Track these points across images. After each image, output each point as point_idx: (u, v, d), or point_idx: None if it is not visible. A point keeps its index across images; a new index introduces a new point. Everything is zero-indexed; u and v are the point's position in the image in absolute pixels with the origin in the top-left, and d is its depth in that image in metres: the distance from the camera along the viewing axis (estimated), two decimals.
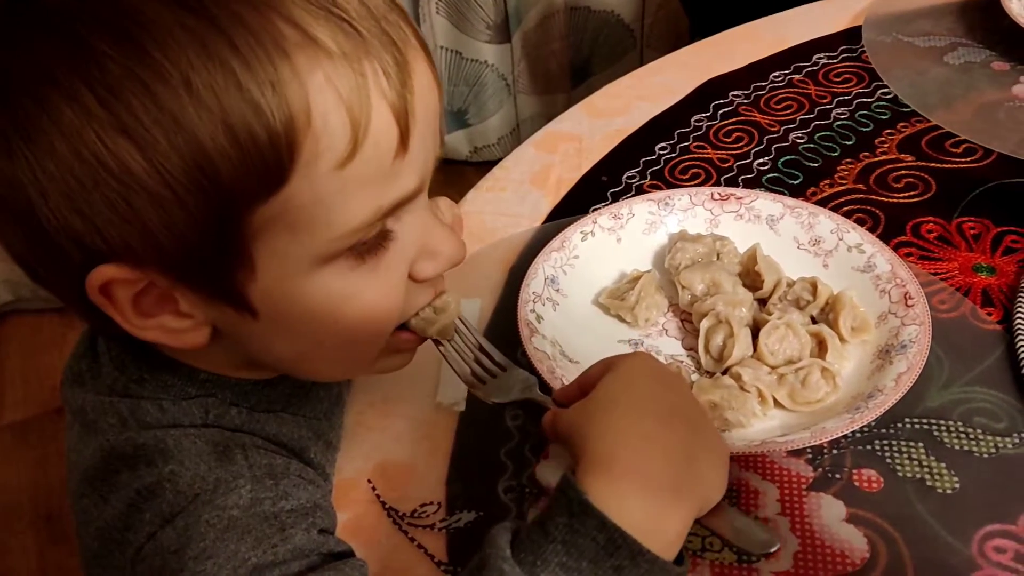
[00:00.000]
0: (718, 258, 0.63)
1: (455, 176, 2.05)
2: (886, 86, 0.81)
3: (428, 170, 0.43)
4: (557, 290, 0.62)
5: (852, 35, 0.89)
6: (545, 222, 0.72)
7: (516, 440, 0.55)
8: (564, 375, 0.55)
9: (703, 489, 0.43)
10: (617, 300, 0.62)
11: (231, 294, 0.40)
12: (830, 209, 0.67)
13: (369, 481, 0.54)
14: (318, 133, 0.36)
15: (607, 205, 0.69)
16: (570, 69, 2.03)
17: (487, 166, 0.81)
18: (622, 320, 0.62)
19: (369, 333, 0.45)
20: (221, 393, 0.46)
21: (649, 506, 0.40)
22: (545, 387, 0.53)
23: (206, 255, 0.38)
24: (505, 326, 0.61)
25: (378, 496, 0.53)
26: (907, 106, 0.79)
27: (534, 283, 0.61)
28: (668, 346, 0.61)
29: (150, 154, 0.35)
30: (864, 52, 0.86)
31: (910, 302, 0.57)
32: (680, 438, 0.43)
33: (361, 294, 0.43)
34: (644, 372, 0.46)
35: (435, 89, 0.42)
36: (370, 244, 0.41)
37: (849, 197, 0.71)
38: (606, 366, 0.47)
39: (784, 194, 0.70)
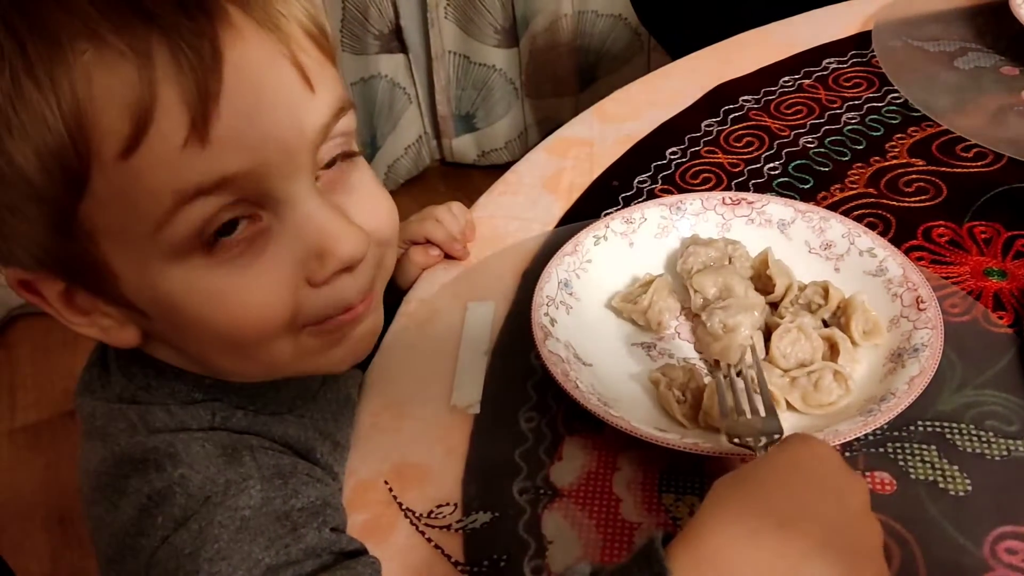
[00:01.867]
0: (730, 262, 0.64)
1: (463, 180, 2.06)
2: (896, 90, 0.82)
3: (274, 153, 0.39)
4: (570, 294, 0.63)
5: (862, 40, 0.90)
6: (557, 226, 0.73)
7: (530, 442, 0.55)
8: (578, 378, 0.56)
9: None
10: (630, 304, 0.62)
11: (111, 294, 0.41)
12: (841, 213, 0.67)
13: (386, 482, 0.54)
14: (96, 125, 0.36)
15: (619, 209, 0.69)
16: (577, 73, 2.03)
17: (495, 170, 0.82)
18: (635, 324, 0.62)
19: (254, 333, 0.42)
20: (227, 397, 0.47)
21: None
22: None
23: (67, 259, 0.40)
24: (518, 330, 0.61)
25: (395, 497, 0.54)
26: (917, 111, 0.79)
27: (548, 287, 0.62)
28: (681, 349, 0.61)
29: None
30: (874, 57, 0.87)
31: (922, 306, 0.57)
32: (796, 547, 0.37)
33: (228, 293, 0.40)
34: (820, 467, 0.41)
35: (283, 64, 0.39)
36: (226, 242, 0.39)
37: (860, 201, 0.71)
38: (783, 442, 0.42)
39: (795, 198, 0.70)
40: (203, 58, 0.36)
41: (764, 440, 0.48)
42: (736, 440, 0.48)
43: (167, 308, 0.41)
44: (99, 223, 0.38)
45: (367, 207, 0.44)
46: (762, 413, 0.50)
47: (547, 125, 2.04)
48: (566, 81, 2.03)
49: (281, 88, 0.39)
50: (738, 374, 0.53)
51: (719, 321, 0.56)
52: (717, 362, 0.49)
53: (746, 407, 0.50)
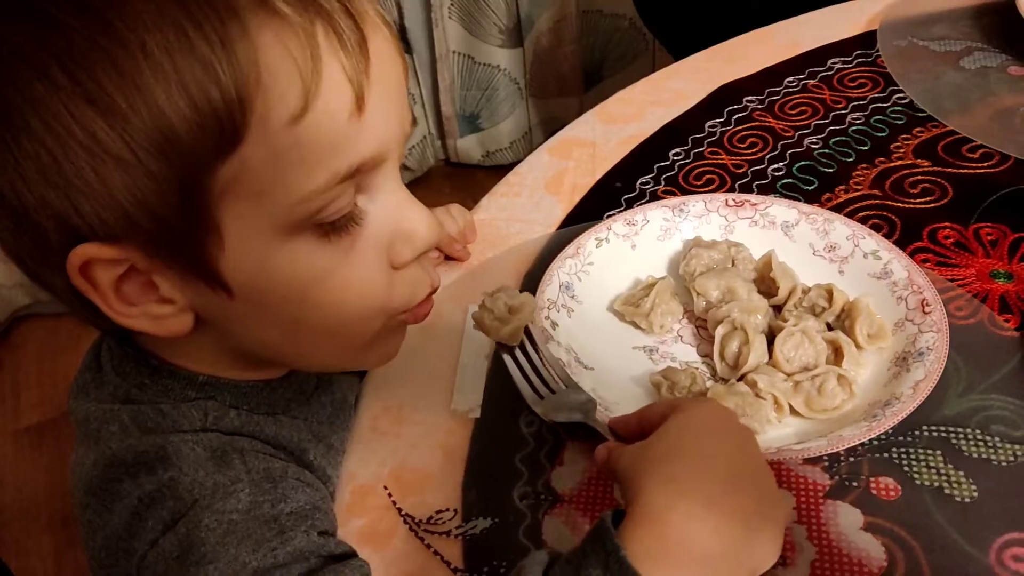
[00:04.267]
0: (733, 265, 0.63)
1: (467, 180, 2.05)
2: (902, 91, 0.81)
3: (393, 141, 0.42)
4: (572, 296, 0.62)
5: (867, 40, 0.89)
6: (559, 228, 0.72)
7: (531, 447, 0.55)
8: (579, 381, 0.55)
9: (754, 563, 0.40)
10: (632, 307, 0.62)
11: (204, 268, 0.41)
12: (846, 215, 0.67)
13: (385, 487, 0.54)
14: (268, 89, 0.37)
15: (622, 211, 0.69)
16: (582, 73, 2.03)
17: (499, 170, 0.81)
18: (637, 327, 0.62)
19: (349, 317, 0.44)
20: (220, 396, 0.47)
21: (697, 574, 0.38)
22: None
23: (174, 223, 0.39)
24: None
25: (394, 502, 0.53)
26: (923, 111, 0.79)
27: (549, 289, 0.61)
28: (683, 353, 0.61)
29: (113, 121, 0.36)
30: (879, 57, 0.86)
31: (927, 309, 0.57)
32: (742, 506, 0.40)
33: (333, 274, 0.42)
34: (714, 423, 0.44)
35: (398, 62, 0.42)
36: (337, 222, 0.41)
37: (865, 203, 0.70)
38: (671, 407, 0.45)
39: (799, 200, 0.70)
40: (356, 39, 0.39)
41: (580, 415, 0.49)
42: (559, 419, 0.49)
43: (264, 285, 0.41)
44: (234, 187, 0.38)
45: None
46: (563, 386, 0.51)
47: (552, 125, 2.04)
48: (570, 81, 2.03)
49: (398, 78, 0.42)
50: (525, 357, 0.53)
51: (503, 304, 0.54)
52: (502, 347, 0.49)
53: (552, 385, 0.50)
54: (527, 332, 0.54)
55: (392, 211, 0.44)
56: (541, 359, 0.52)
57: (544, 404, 0.51)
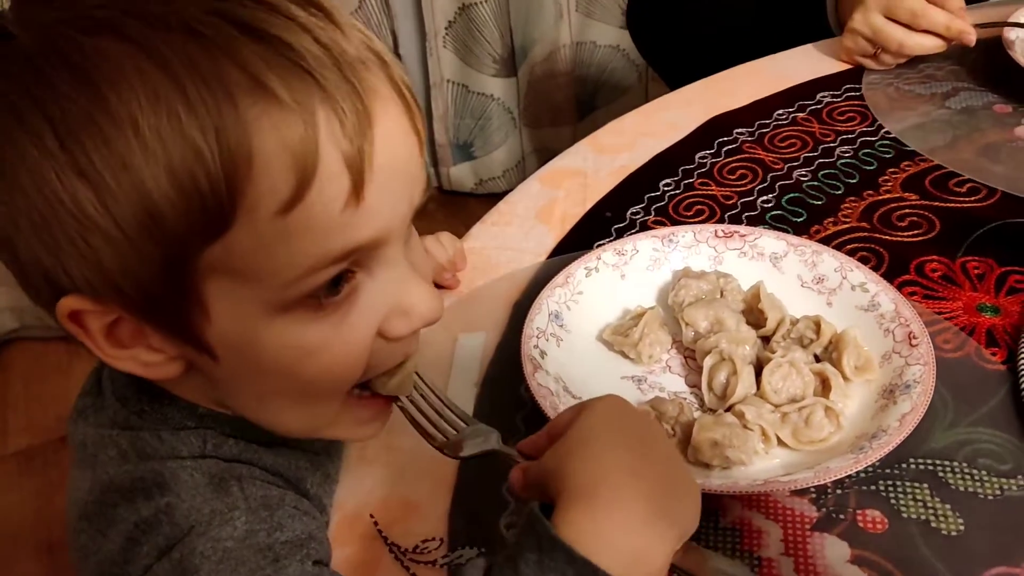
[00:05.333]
0: (721, 295, 0.63)
1: (460, 208, 2.06)
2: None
3: (396, 221, 0.41)
4: (561, 326, 0.63)
5: (855, 74, 0.90)
6: (549, 257, 0.72)
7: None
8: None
9: (683, 522, 0.42)
10: (621, 336, 0.62)
11: (189, 336, 0.40)
12: (834, 247, 0.67)
13: (371, 516, 0.54)
14: (260, 178, 0.36)
15: (612, 241, 0.69)
16: (576, 102, 2.05)
17: (492, 198, 0.82)
18: (626, 356, 0.62)
19: (328, 386, 0.44)
20: (219, 425, 0.47)
21: (634, 540, 0.40)
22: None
23: (160, 295, 0.38)
24: (508, 362, 0.61)
25: (380, 531, 0.53)
26: (909, 145, 0.79)
27: (538, 319, 0.62)
28: (671, 383, 0.61)
29: (102, 195, 0.36)
30: (865, 97, 0.87)
31: (914, 341, 0.57)
32: (660, 471, 0.42)
33: (322, 347, 0.41)
34: (618, 411, 0.46)
35: (411, 138, 0.41)
36: (333, 295, 0.40)
37: (853, 235, 0.71)
38: (577, 410, 0.46)
39: (788, 232, 0.70)
40: (360, 122, 0.37)
41: (487, 445, 0.49)
42: (466, 454, 0.49)
43: (250, 355, 0.41)
44: (220, 270, 0.38)
45: (424, 268, 0.46)
46: (464, 423, 0.50)
47: (545, 154, 2.05)
48: (564, 110, 2.04)
49: (408, 158, 0.40)
50: (424, 401, 0.52)
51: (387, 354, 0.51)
52: (395, 398, 0.49)
53: (449, 424, 0.50)
54: (420, 379, 0.53)
55: (391, 286, 0.42)
56: (441, 401, 0.51)
57: (448, 444, 0.50)
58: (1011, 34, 0.83)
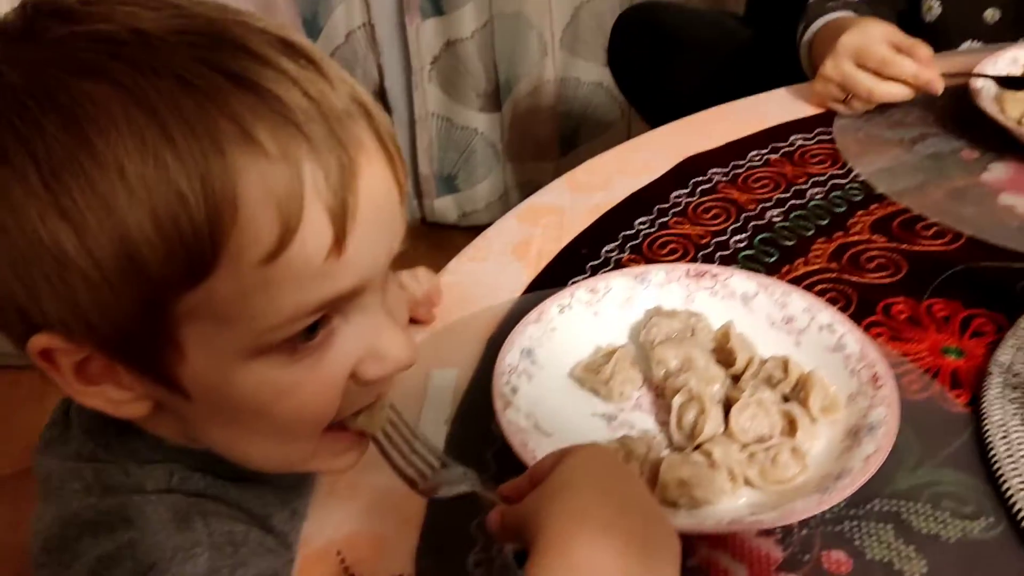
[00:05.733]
0: (692, 334, 0.64)
1: (443, 240, 2.07)
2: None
3: (375, 270, 0.41)
4: (533, 363, 0.63)
5: (827, 117, 0.92)
6: (524, 293, 0.73)
7: (486, 514, 0.55)
8: (536, 448, 0.56)
9: None
10: (592, 374, 0.62)
11: (163, 375, 0.40)
12: (804, 288, 0.68)
13: (339, 553, 0.54)
14: (244, 228, 0.36)
15: (586, 278, 0.70)
16: (559, 137, 2.07)
17: (475, 231, 0.82)
18: (597, 394, 0.62)
19: (301, 427, 0.44)
20: (186, 460, 0.47)
21: None
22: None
23: (136, 336, 0.39)
24: (481, 398, 0.61)
25: (347, 568, 0.53)
26: (879, 189, 0.81)
27: (510, 355, 0.62)
28: (641, 421, 0.61)
29: (82, 236, 0.36)
30: (836, 141, 0.89)
31: (879, 383, 0.58)
32: (638, 528, 0.42)
33: (295, 389, 0.41)
34: (601, 461, 0.46)
35: (393, 189, 0.41)
36: (308, 340, 0.41)
37: (822, 276, 0.72)
38: (559, 456, 0.46)
39: (759, 272, 0.71)
40: (344, 175, 0.38)
41: (465, 486, 0.48)
42: (443, 495, 0.48)
43: (224, 395, 0.41)
44: (198, 314, 0.38)
45: (399, 310, 0.46)
46: (442, 464, 0.50)
47: (528, 188, 2.07)
48: (547, 145, 2.06)
49: (389, 209, 0.41)
50: (402, 439, 0.51)
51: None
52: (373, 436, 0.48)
53: (425, 463, 0.50)
54: (399, 419, 0.53)
55: (367, 331, 0.43)
56: (419, 441, 0.51)
57: (425, 485, 0.50)
58: (977, 83, 0.85)
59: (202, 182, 0.35)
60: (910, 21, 1.10)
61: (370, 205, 0.39)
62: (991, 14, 1.05)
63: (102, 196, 0.35)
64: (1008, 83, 0.85)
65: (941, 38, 1.08)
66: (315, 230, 0.37)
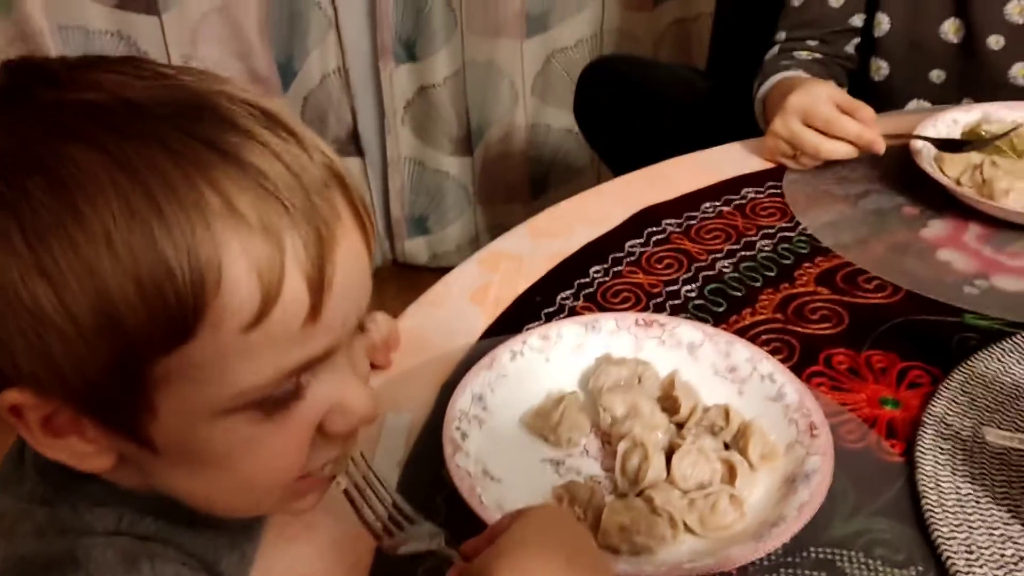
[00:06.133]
0: (640, 382, 0.66)
1: (414, 281, 2.08)
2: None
3: (345, 333, 0.43)
4: (484, 408, 0.64)
5: (777, 172, 0.96)
6: (480, 339, 0.75)
7: (434, 560, 0.56)
8: (484, 494, 0.57)
9: None
10: (541, 420, 0.64)
11: (132, 431, 0.41)
12: (750, 337, 0.71)
13: None
14: (227, 298, 0.37)
15: (539, 325, 0.72)
16: (529, 182, 2.10)
17: (446, 273, 0.84)
18: (546, 440, 0.64)
19: (269, 481, 0.45)
20: (137, 504, 0.47)
21: None
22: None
23: (108, 394, 0.39)
24: (433, 442, 0.62)
25: None
26: (824, 242, 0.84)
27: (461, 400, 0.63)
28: (588, 466, 0.62)
29: (62, 295, 0.37)
30: (785, 195, 0.92)
31: (815, 432, 0.60)
32: None
33: (265, 445, 0.43)
34: (554, 520, 0.48)
35: (364, 256, 0.43)
36: (278, 399, 0.42)
37: (769, 326, 0.74)
38: (516, 515, 0.48)
39: (709, 321, 0.74)
40: (322, 246, 0.39)
41: (431, 545, 0.50)
42: (406, 551, 0.50)
43: (193, 451, 0.42)
44: (173, 376, 0.39)
45: (363, 364, 0.48)
46: (410, 521, 0.51)
47: (498, 231, 2.07)
48: (518, 189, 2.10)
49: (361, 275, 0.43)
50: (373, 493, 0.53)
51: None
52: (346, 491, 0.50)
53: (394, 520, 0.51)
54: (372, 472, 0.54)
55: (335, 387, 0.44)
56: (389, 496, 0.52)
57: (392, 540, 0.51)
58: (918, 143, 0.89)
59: (188, 252, 0.36)
60: (860, 81, 1.14)
61: (345, 273, 0.41)
62: (936, 75, 1.10)
63: (85, 259, 0.36)
64: (945, 146, 0.89)
65: (889, 97, 1.13)
66: (294, 298, 0.39)
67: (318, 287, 0.39)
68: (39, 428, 0.41)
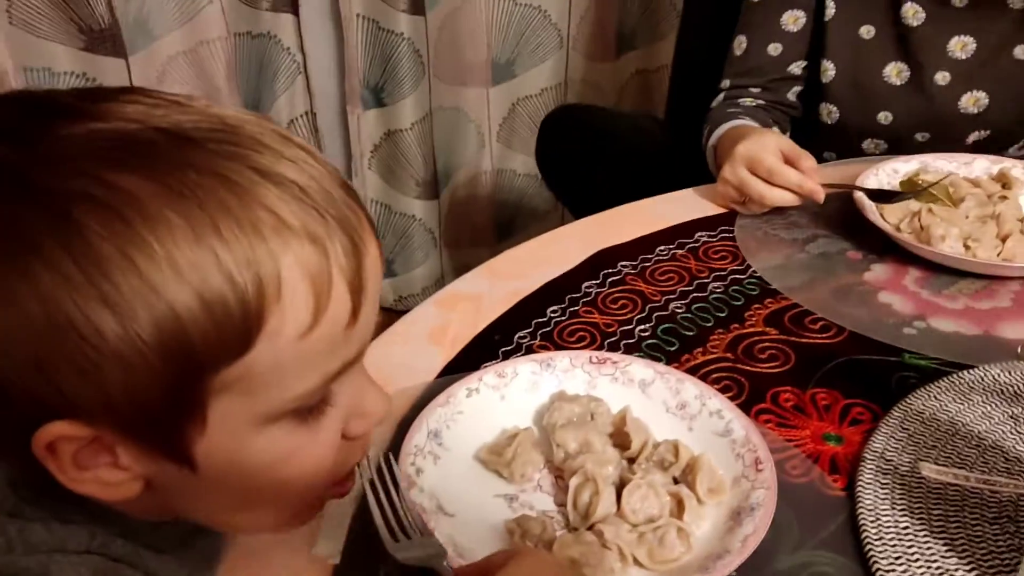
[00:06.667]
0: (592, 418, 0.68)
1: (380, 323, 2.09)
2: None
3: (370, 335, 0.46)
4: (440, 444, 0.65)
5: (729, 217, 0.99)
6: (438, 377, 0.76)
7: None
8: (438, 528, 0.58)
9: None
10: (495, 455, 0.65)
11: (176, 450, 0.42)
12: (701, 375, 0.73)
13: None
14: (285, 306, 0.39)
15: (496, 363, 0.73)
16: (495, 225, 2.13)
17: None
18: (500, 475, 0.65)
19: (305, 490, 0.47)
20: (108, 525, 0.47)
21: None
22: None
23: (161, 413, 0.40)
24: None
25: None
26: (773, 284, 0.87)
27: (417, 436, 0.64)
28: (541, 501, 0.64)
29: (127, 322, 0.37)
30: (737, 238, 0.95)
31: (760, 467, 0.62)
32: None
33: (300, 453, 0.45)
34: (545, 566, 0.49)
35: (380, 264, 0.45)
36: (312, 406, 0.44)
37: (719, 365, 0.77)
38: (511, 554, 0.49)
39: (660, 360, 0.76)
40: (356, 251, 0.42)
41: (431, 559, 0.52)
42: (405, 557, 0.52)
43: (234, 464, 0.43)
44: (231, 387, 0.40)
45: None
46: (419, 532, 0.54)
47: (463, 273, 2.11)
48: (484, 233, 2.12)
49: (381, 278, 0.45)
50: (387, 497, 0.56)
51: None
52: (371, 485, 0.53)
53: (406, 526, 0.54)
54: (392, 474, 0.57)
55: (355, 391, 0.47)
56: (402, 503, 0.55)
57: (396, 545, 0.53)
58: (860, 192, 0.93)
59: (248, 265, 0.38)
60: (814, 124, 1.19)
61: (372, 277, 0.43)
62: (884, 116, 1.15)
63: (151, 283, 0.37)
64: (881, 196, 0.93)
65: (843, 138, 1.17)
66: (339, 303, 0.41)
67: (358, 291, 0.42)
68: (70, 462, 0.41)
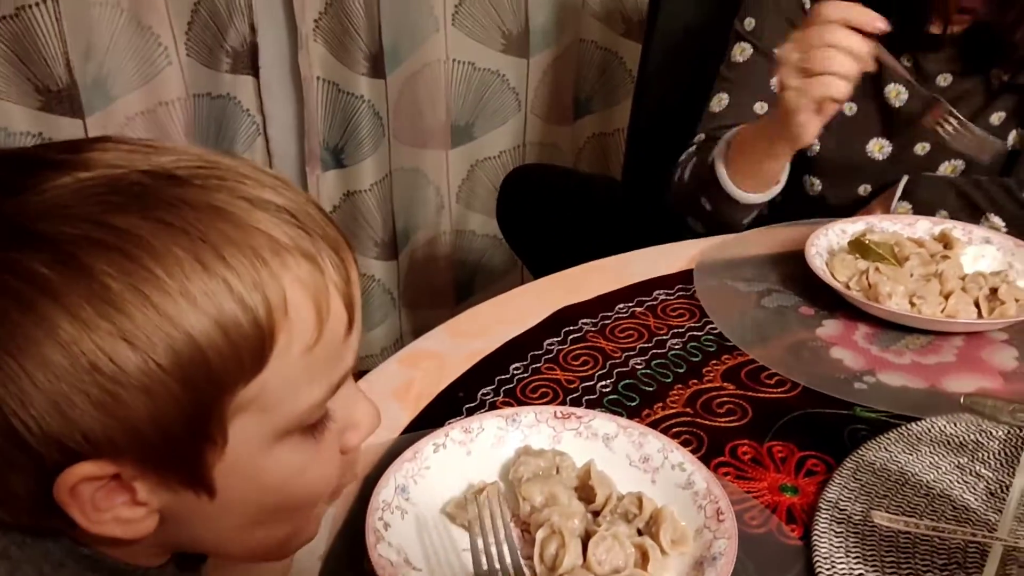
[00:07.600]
0: (557, 472, 0.69)
1: None
2: (713, 322, 0.93)
3: (358, 347, 0.48)
4: (407, 499, 0.66)
5: (687, 276, 1.02)
6: (402, 434, 0.76)
7: None
8: None
9: None
10: (462, 510, 0.65)
11: (195, 476, 0.43)
12: (662, 430, 0.75)
13: None
14: (292, 323, 0.42)
15: (461, 419, 0.74)
16: (455, 286, 2.15)
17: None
18: (467, 529, 0.65)
19: (313, 505, 0.50)
20: (95, 569, 0.47)
21: None
22: None
23: (183, 440, 0.42)
24: (355, 534, 0.63)
25: None
26: (730, 341, 0.90)
27: (384, 492, 0.65)
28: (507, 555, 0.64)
29: (145, 353, 0.39)
30: (696, 292, 0.98)
31: (721, 517, 0.63)
32: None
33: (310, 468, 0.47)
34: None
35: (358, 278, 0.49)
36: (316, 421, 0.46)
37: (679, 419, 0.79)
38: None
39: (621, 415, 0.77)
40: (343, 265, 0.45)
41: None
42: None
43: (251, 482, 0.45)
44: (246, 406, 0.42)
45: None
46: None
47: (422, 335, 2.11)
48: (443, 294, 2.14)
49: (358, 292, 0.48)
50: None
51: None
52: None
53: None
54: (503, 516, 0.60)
55: (348, 404, 0.49)
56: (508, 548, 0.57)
57: None
58: (811, 249, 0.97)
59: (256, 288, 0.41)
60: (796, 195, 1.23)
61: (357, 288, 0.46)
62: (863, 189, 1.20)
63: (167, 315, 0.39)
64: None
65: (824, 208, 1.22)
66: (337, 315, 0.44)
67: (350, 303, 0.45)
68: (90, 504, 0.42)
